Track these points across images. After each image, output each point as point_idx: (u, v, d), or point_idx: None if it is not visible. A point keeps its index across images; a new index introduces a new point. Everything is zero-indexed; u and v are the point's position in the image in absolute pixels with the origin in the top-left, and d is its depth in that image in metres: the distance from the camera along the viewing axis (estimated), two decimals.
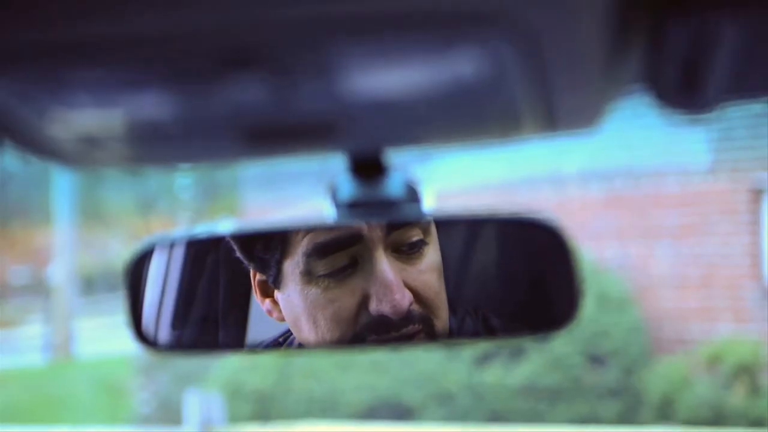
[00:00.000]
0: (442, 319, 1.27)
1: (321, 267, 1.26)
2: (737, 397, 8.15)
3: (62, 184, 16.24)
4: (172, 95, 0.69)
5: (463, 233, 1.30)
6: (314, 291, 1.26)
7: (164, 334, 1.33)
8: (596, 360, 8.72)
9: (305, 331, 1.29)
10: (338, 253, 1.25)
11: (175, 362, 9.68)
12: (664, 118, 0.88)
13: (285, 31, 0.61)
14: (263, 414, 9.08)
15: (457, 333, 1.29)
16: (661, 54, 0.74)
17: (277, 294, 1.30)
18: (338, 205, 1.22)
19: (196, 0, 0.59)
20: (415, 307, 1.25)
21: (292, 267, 1.27)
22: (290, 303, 1.29)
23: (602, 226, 9.82)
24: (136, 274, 1.32)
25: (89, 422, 11.04)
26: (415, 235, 1.26)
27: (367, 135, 0.81)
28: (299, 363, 9.12)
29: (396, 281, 1.24)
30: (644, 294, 9.40)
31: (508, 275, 1.31)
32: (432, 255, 1.27)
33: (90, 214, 18.03)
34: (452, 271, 1.28)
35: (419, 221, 1.26)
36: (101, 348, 14.96)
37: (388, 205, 1.21)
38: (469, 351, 8.68)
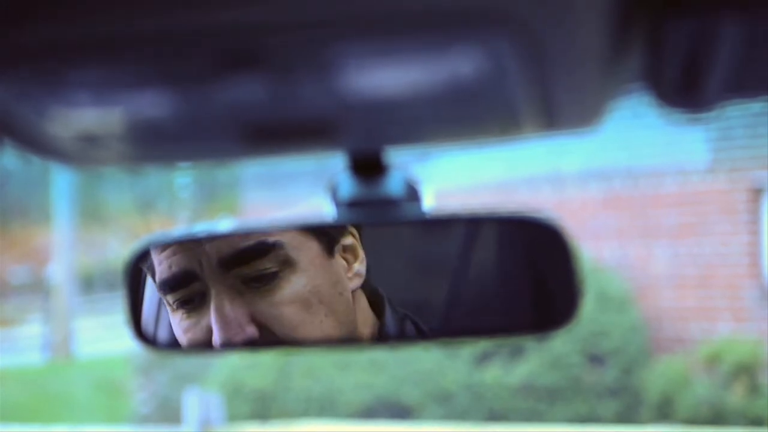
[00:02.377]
0: (311, 347, 1.26)
1: (171, 298, 1.27)
2: (736, 397, 8.15)
3: (62, 183, 16.24)
4: (172, 94, 0.69)
5: (463, 233, 1.30)
6: (176, 317, 1.28)
7: (163, 333, 1.33)
8: (595, 359, 8.72)
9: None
10: (181, 289, 1.25)
11: (175, 361, 9.68)
12: (663, 117, 0.88)
13: (285, 30, 0.61)
14: (262, 413, 9.08)
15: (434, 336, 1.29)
16: (660, 53, 0.74)
17: None
18: (338, 204, 1.22)
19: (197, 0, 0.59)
20: (265, 341, 1.23)
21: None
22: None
23: (601, 225, 9.82)
24: (135, 273, 1.32)
25: (88, 421, 11.05)
26: (267, 267, 1.22)
27: (367, 134, 0.81)
28: (298, 362, 9.12)
29: (232, 316, 1.23)
30: (643, 293, 9.40)
31: (507, 274, 1.31)
32: (293, 285, 1.23)
33: (89, 213, 18.03)
34: (452, 271, 1.28)
35: (273, 254, 1.22)
36: (100, 347, 14.97)
37: (387, 204, 1.20)
38: (469, 350, 8.68)
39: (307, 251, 1.24)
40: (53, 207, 16.77)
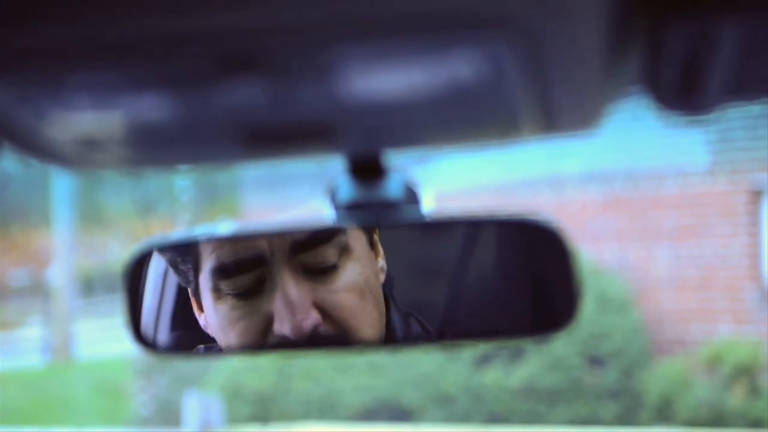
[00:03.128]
0: (365, 333, 1.25)
1: (226, 286, 1.25)
2: (736, 398, 8.15)
3: (62, 187, 16.23)
4: (172, 97, 0.69)
5: (463, 235, 1.30)
6: (223, 308, 1.26)
7: (163, 336, 1.33)
8: (596, 361, 8.72)
9: (222, 343, 1.28)
10: (242, 275, 1.24)
11: (175, 364, 9.68)
12: (663, 119, 0.88)
13: (284, 33, 0.61)
14: (262, 416, 9.08)
15: (437, 340, 1.29)
16: (660, 55, 0.74)
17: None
18: (337, 206, 1.22)
19: (196, 3, 0.59)
20: (325, 328, 1.23)
21: (204, 281, 1.26)
22: (208, 316, 1.28)
23: (601, 227, 9.82)
24: (135, 276, 1.32)
25: (88, 424, 11.04)
26: (329, 258, 1.23)
27: (367, 137, 0.81)
28: (298, 365, 9.12)
29: (299, 301, 1.22)
30: (644, 295, 9.40)
31: (507, 277, 1.31)
32: (350, 274, 1.24)
33: (89, 216, 18.02)
34: (451, 273, 1.28)
35: (336, 240, 1.24)
36: (100, 350, 14.95)
37: (387, 206, 1.20)
38: (469, 352, 8.68)
39: (360, 241, 1.26)
40: (53, 210, 16.77)
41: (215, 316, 1.27)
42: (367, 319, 1.25)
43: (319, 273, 1.23)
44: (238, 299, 1.25)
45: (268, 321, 1.24)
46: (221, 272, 1.24)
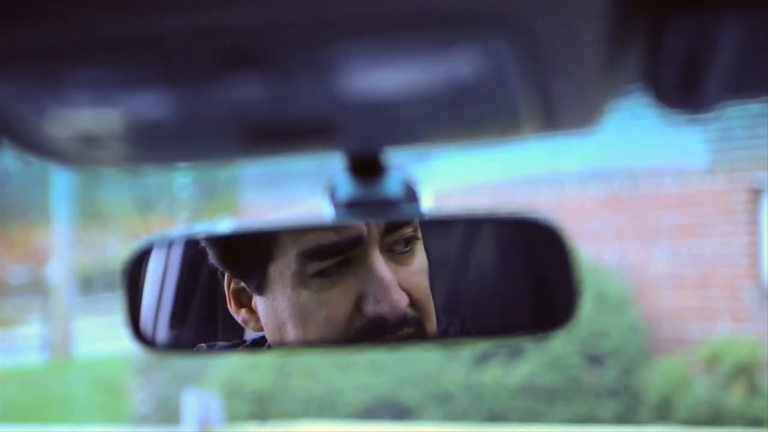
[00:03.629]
0: (432, 321, 1.25)
1: (314, 266, 1.23)
2: (735, 397, 8.15)
3: (61, 184, 16.24)
4: (171, 95, 0.69)
5: (462, 233, 1.30)
6: (306, 293, 1.23)
7: (162, 334, 1.33)
8: (595, 360, 8.72)
9: (291, 337, 1.25)
10: (337, 256, 1.22)
11: (174, 362, 9.68)
12: (662, 118, 0.88)
13: (284, 30, 0.61)
14: (261, 414, 9.08)
15: (437, 338, 1.29)
16: (660, 54, 0.74)
17: (256, 301, 1.27)
18: (337, 204, 1.21)
19: (196, 0, 0.59)
20: (410, 310, 1.23)
21: (282, 269, 1.24)
22: (274, 309, 1.26)
23: (601, 226, 9.82)
24: (134, 273, 1.32)
25: (88, 422, 11.04)
26: (409, 232, 1.24)
27: (366, 135, 0.81)
28: (297, 363, 9.12)
29: (393, 281, 1.22)
30: (643, 294, 9.40)
31: (506, 275, 1.31)
32: (421, 255, 1.25)
33: (88, 213, 18.02)
34: (450, 271, 1.28)
35: (413, 223, 1.25)
36: (100, 347, 14.96)
37: (386, 204, 1.20)
38: (468, 351, 8.68)
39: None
40: (52, 207, 16.77)
41: (291, 306, 1.25)
42: (432, 304, 1.26)
43: (400, 255, 1.24)
44: (325, 280, 1.23)
45: (358, 302, 1.23)
46: (316, 254, 1.22)
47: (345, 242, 1.22)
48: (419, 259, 1.25)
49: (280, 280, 1.24)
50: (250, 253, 1.27)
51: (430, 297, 1.25)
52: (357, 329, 1.23)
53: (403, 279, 1.23)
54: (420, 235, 1.25)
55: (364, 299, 1.22)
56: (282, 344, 1.28)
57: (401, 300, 1.22)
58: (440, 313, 1.28)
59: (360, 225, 1.23)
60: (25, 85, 0.67)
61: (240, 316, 1.29)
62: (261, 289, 1.26)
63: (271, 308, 1.26)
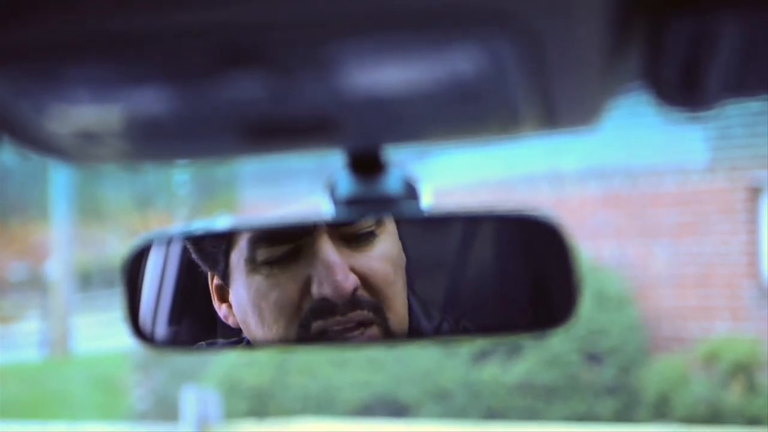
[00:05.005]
0: (397, 311, 1.25)
1: (264, 254, 1.25)
2: (734, 396, 8.16)
3: (60, 180, 16.24)
4: (171, 91, 0.69)
5: (462, 230, 1.30)
6: (257, 279, 1.25)
7: (161, 331, 1.33)
8: (593, 358, 8.73)
9: (253, 326, 1.27)
10: (282, 244, 1.24)
11: (172, 358, 9.68)
12: (662, 116, 0.88)
13: (284, 27, 0.61)
14: (260, 411, 9.09)
15: (434, 335, 1.29)
16: (660, 52, 0.74)
17: (230, 295, 1.29)
18: (337, 201, 1.22)
19: None
20: (363, 293, 1.24)
21: (238, 256, 1.26)
22: (238, 297, 1.28)
23: (600, 224, 9.82)
24: (133, 270, 1.32)
25: (86, 418, 11.05)
26: (366, 228, 1.25)
27: (366, 132, 0.81)
28: (296, 360, 9.12)
29: (339, 263, 1.23)
30: (642, 292, 9.41)
31: (506, 272, 1.31)
32: (386, 245, 1.26)
33: (87, 210, 18.02)
34: (450, 268, 1.28)
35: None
36: (98, 344, 14.97)
37: (386, 201, 1.20)
38: (466, 348, 8.68)
39: (390, 221, 1.27)
40: (51, 204, 16.77)
41: (247, 292, 1.27)
42: (400, 295, 1.26)
43: (357, 240, 1.25)
44: (275, 266, 1.25)
45: (306, 285, 1.24)
46: (261, 240, 1.25)
47: (294, 229, 1.25)
48: (381, 248, 1.25)
49: (237, 267, 1.27)
50: (215, 243, 1.29)
51: (395, 286, 1.25)
52: (307, 312, 1.24)
53: (357, 263, 1.24)
54: (386, 230, 1.25)
55: (311, 282, 1.24)
56: (259, 341, 1.29)
57: (345, 281, 1.23)
58: (438, 310, 1.28)
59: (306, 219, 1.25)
60: (25, 82, 0.67)
61: (221, 311, 1.31)
62: (226, 279, 1.28)
63: (236, 297, 1.29)
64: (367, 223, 1.25)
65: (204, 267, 1.30)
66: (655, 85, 0.79)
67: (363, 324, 1.25)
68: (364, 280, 1.24)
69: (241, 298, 1.28)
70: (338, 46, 0.63)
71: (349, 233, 1.24)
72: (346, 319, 1.24)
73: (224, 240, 1.27)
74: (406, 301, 1.27)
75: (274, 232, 1.25)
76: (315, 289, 1.23)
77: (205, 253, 1.30)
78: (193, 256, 1.30)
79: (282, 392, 9.20)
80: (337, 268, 1.23)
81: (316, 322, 1.24)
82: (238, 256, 1.26)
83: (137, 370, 10.36)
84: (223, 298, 1.30)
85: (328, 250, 1.23)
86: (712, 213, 9.35)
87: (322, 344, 1.29)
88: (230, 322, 1.30)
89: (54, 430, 9.50)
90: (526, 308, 1.30)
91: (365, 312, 1.24)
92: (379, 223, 1.25)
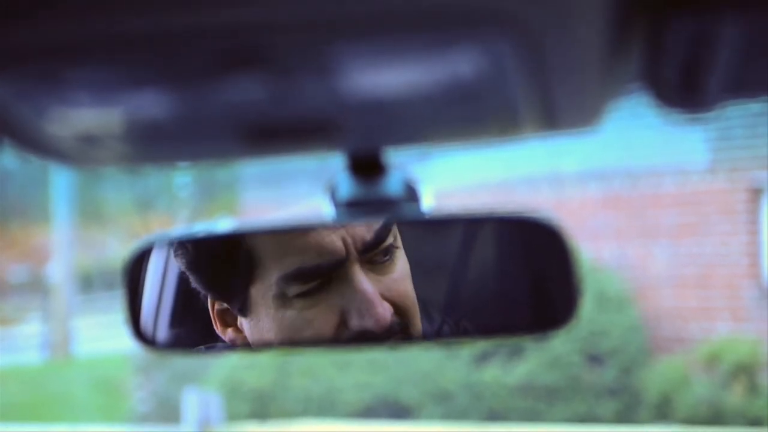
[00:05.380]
0: (416, 323, 1.26)
1: (296, 289, 1.23)
2: (735, 396, 8.15)
3: (61, 183, 16.23)
4: (172, 94, 0.69)
5: (462, 232, 1.30)
6: (290, 313, 1.24)
7: (162, 333, 1.33)
8: (595, 359, 8.72)
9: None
10: (318, 278, 1.23)
11: (174, 360, 9.68)
12: (662, 117, 0.88)
13: (284, 30, 0.61)
14: (261, 413, 9.08)
15: (435, 337, 1.29)
16: (660, 53, 0.74)
17: (241, 322, 1.28)
18: (337, 204, 1.21)
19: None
20: (395, 318, 1.24)
21: (264, 291, 1.24)
22: (260, 329, 1.26)
23: (601, 225, 9.82)
24: (134, 272, 1.32)
25: (87, 421, 11.04)
26: (388, 243, 1.24)
27: (367, 134, 0.81)
28: (297, 362, 9.12)
29: (374, 293, 1.23)
30: (643, 293, 9.40)
31: (506, 274, 1.31)
32: (402, 260, 1.25)
33: (88, 212, 18.02)
34: (451, 270, 1.28)
35: (393, 231, 1.25)
36: (99, 346, 14.96)
37: (387, 204, 1.20)
38: (468, 350, 8.68)
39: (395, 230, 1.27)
40: (52, 206, 16.76)
41: (276, 326, 1.25)
42: (416, 306, 1.26)
43: (380, 265, 1.24)
44: (307, 299, 1.23)
45: (342, 318, 1.23)
46: (298, 277, 1.22)
47: (326, 265, 1.22)
48: (400, 265, 1.25)
49: (263, 302, 1.25)
50: (230, 277, 1.27)
51: (415, 301, 1.26)
52: (343, 342, 1.24)
53: (386, 289, 1.24)
54: (399, 242, 1.25)
55: (348, 314, 1.23)
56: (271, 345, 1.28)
57: (385, 312, 1.23)
58: (439, 312, 1.28)
59: (339, 245, 1.22)
60: (26, 85, 0.67)
61: (227, 335, 1.30)
62: (244, 311, 1.27)
63: (256, 328, 1.27)
64: (385, 236, 1.24)
65: (209, 295, 1.29)
66: (655, 86, 0.79)
67: (393, 341, 1.26)
68: (394, 305, 1.24)
69: (266, 331, 1.26)
70: (339, 48, 0.63)
71: (373, 256, 1.23)
72: (379, 344, 1.26)
73: (243, 274, 1.25)
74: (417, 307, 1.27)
75: (304, 270, 1.22)
76: (355, 322, 1.23)
77: (215, 285, 1.28)
78: (194, 284, 1.28)
79: (283, 394, 9.19)
80: (376, 301, 1.22)
81: (352, 347, 1.26)
82: (264, 291, 1.24)
83: (138, 373, 10.36)
84: (228, 323, 1.29)
85: (363, 281, 1.22)
86: (712, 214, 9.35)
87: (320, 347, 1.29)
88: (239, 344, 1.29)
89: None
90: (526, 310, 1.30)
91: (398, 336, 1.25)
92: (395, 240, 1.24)
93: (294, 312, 1.24)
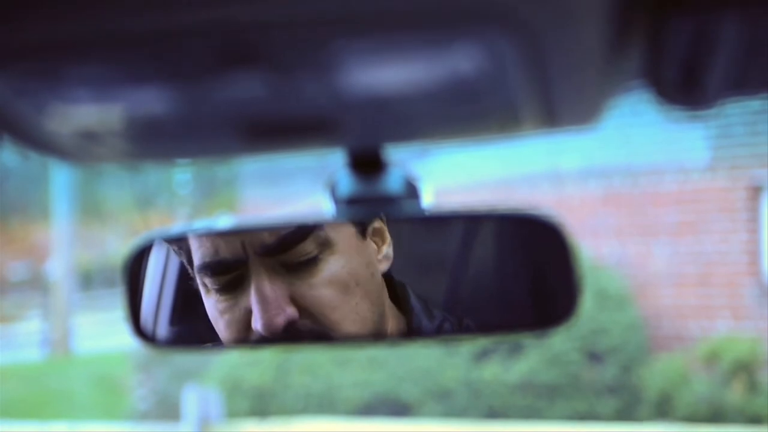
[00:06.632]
0: (339, 328, 1.24)
1: (210, 282, 1.26)
2: (735, 394, 8.15)
3: (61, 180, 16.23)
4: (171, 91, 0.69)
5: (462, 230, 1.30)
6: (211, 301, 1.27)
7: (162, 330, 1.33)
8: (594, 357, 8.72)
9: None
10: (222, 275, 1.24)
11: (174, 358, 9.68)
12: (663, 115, 0.88)
13: (285, 27, 0.61)
14: (261, 410, 9.08)
15: (435, 334, 1.29)
16: (661, 51, 0.74)
17: None
18: (337, 201, 1.21)
19: None
20: (304, 323, 1.23)
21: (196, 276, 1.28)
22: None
23: (601, 223, 9.82)
24: (134, 269, 1.32)
25: (87, 418, 11.04)
26: (307, 253, 1.23)
27: (367, 131, 0.81)
28: (297, 359, 9.13)
29: (273, 297, 1.23)
30: (643, 291, 9.40)
31: (507, 272, 1.31)
32: (332, 267, 1.24)
33: (88, 209, 18.02)
34: (451, 268, 1.28)
35: (313, 235, 1.23)
36: (99, 344, 14.96)
37: (387, 201, 1.20)
38: (467, 347, 8.68)
39: (344, 233, 1.25)
40: (52, 203, 16.76)
41: (208, 307, 1.28)
42: (351, 313, 1.24)
43: (297, 268, 1.23)
44: (221, 294, 1.26)
45: (248, 316, 1.25)
46: (204, 270, 1.26)
47: (224, 262, 1.24)
48: (327, 272, 1.23)
49: (199, 285, 1.28)
50: (180, 254, 1.30)
51: (342, 307, 1.24)
52: (253, 341, 1.25)
53: (298, 292, 1.23)
54: (328, 253, 1.23)
55: (251, 315, 1.24)
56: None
57: (278, 317, 1.22)
58: (439, 310, 1.28)
59: (237, 245, 1.23)
60: (26, 82, 0.67)
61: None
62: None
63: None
64: (307, 249, 1.23)
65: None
66: (656, 84, 0.79)
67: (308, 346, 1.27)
68: (305, 310, 1.23)
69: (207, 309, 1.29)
70: (339, 45, 0.63)
71: (289, 261, 1.23)
72: (291, 347, 1.26)
73: (186, 258, 1.28)
74: (372, 306, 1.26)
75: (211, 266, 1.25)
76: (253, 323, 1.24)
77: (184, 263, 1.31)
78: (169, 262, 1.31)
79: (283, 392, 9.20)
80: (268, 303, 1.23)
81: (264, 347, 1.27)
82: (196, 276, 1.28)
83: (138, 370, 10.36)
84: None
85: (261, 282, 1.23)
86: (712, 212, 9.35)
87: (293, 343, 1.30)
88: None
89: (55, 430, 9.49)
90: (526, 307, 1.30)
91: (311, 341, 1.25)
92: (323, 245, 1.23)
93: (212, 301, 1.26)
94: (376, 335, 1.27)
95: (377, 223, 1.25)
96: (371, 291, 1.26)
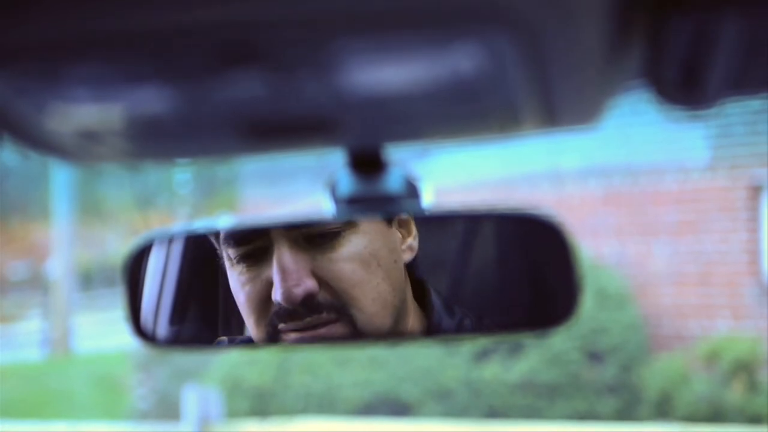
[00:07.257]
0: (366, 309, 1.25)
1: (234, 253, 1.27)
2: (735, 394, 8.15)
3: (61, 180, 16.24)
4: (171, 90, 0.69)
5: (463, 229, 1.30)
6: (235, 273, 1.28)
7: (162, 330, 1.33)
8: (595, 356, 8.72)
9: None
10: (246, 244, 1.26)
11: (174, 357, 9.68)
12: (663, 114, 0.88)
13: (284, 26, 0.61)
14: (261, 410, 9.09)
15: (455, 332, 1.28)
16: (661, 50, 0.74)
17: None
18: (337, 200, 1.21)
19: None
20: (324, 297, 1.24)
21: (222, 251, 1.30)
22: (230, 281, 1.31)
23: (601, 222, 9.82)
24: (134, 269, 1.32)
25: (87, 418, 11.04)
26: (330, 228, 1.25)
27: (367, 131, 0.81)
28: (297, 359, 9.13)
29: (293, 268, 1.24)
30: (643, 291, 9.41)
31: (507, 271, 1.31)
32: (354, 245, 1.25)
33: (88, 209, 18.03)
34: (451, 267, 1.28)
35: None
36: (99, 343, 14.97)
37: (387, 200, 1.20)
38: (468, 347, 8.69)
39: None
40: (52, 203, 16.77)
41: (233, 283, 1.28)
42: (372, 291, 1.25)
43: (320, 242, 1.25)
44: (244, 265, 1.26)
45: (269, 288, 1.25)
46: (229, 240, 1.27)
47: (249, 232, 1.26)
48: (348, 247, 1.25)
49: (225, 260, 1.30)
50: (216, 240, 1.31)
51: (363, 286, 1.25)
52: (272, 314, 1.25)
53: (318, 266, 1.24)
54: (350, 229, 1.25)
55: (272, 288, 1.25)
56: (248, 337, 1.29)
57: (296, 287, 1.23)
58: (440, 309, 1.28)
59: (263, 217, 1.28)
60: (26, 81, 0.67)
61: None
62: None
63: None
64: (332, 224, 1.25)
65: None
66: (656, 84, 0.79)
67: (324, 325, 1.25)
68: (326, 284, 1.24)
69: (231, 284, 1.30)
70: (339, 44, 0.63)
71: (311, 234, 1.25)
72: (303, 324, 1.25)
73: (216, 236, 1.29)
74: (393, 291, 1.26)
75: (236, 234, 1.27)
76: (273, 295, 1.24)
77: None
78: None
79: (283, 391, 9.20)
80: (288, 274, 1.24)
81: (280, 324, 1.26)
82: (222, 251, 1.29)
83: (138, 370, 10.36)
84: None
85: (283, 254, 1.24)
86: (712, 211, 9.35)
87: (295, 344, 1.29)
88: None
89: (55, 429, 9.50)
90: (527, 307, 1.30)
91: (324, 315, 1.24)
92: (348, 223, 1.25)
93: (236, 272, 1.27)
94: (397, 333, 1.27)
95: (404, 215, 1.26)
96: (393, 276, 1.27)
